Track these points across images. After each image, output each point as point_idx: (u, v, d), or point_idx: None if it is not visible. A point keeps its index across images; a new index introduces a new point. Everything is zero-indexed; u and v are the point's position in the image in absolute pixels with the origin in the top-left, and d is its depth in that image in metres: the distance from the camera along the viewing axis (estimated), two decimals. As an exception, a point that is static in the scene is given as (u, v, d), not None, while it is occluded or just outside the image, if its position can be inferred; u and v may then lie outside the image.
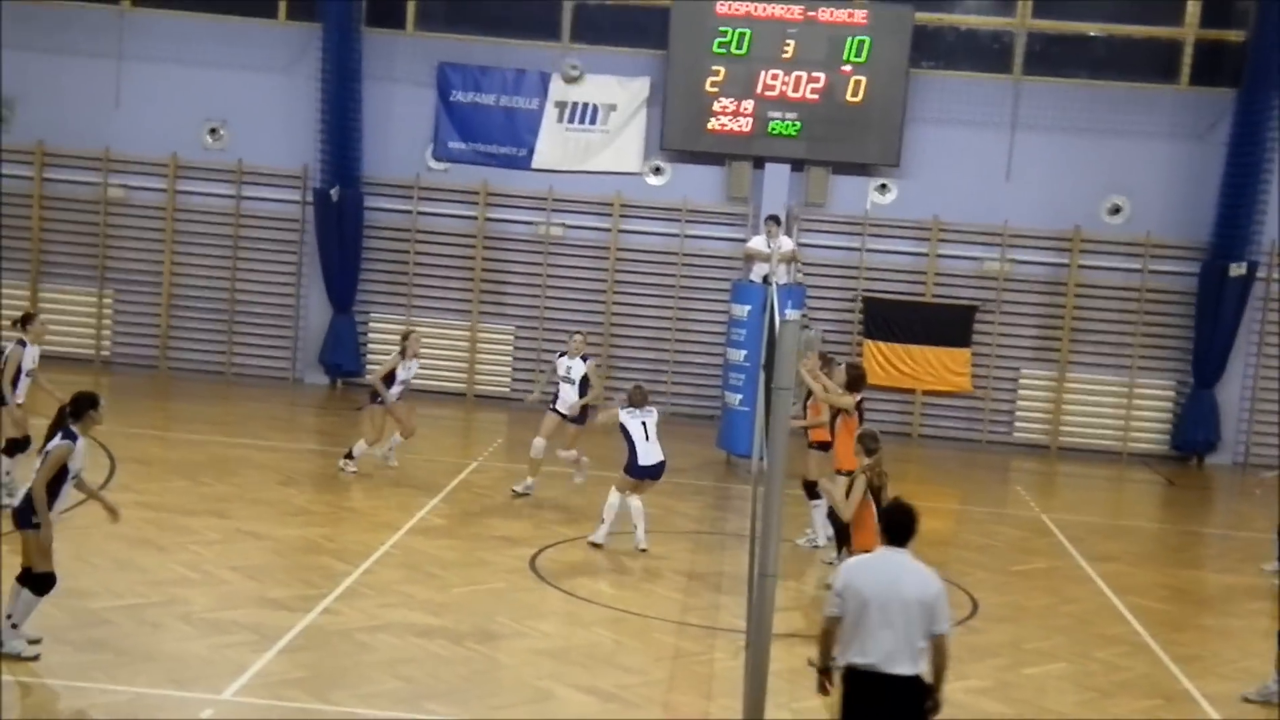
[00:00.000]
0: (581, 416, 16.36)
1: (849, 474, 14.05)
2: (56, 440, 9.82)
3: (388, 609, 11.65)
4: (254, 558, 13.00)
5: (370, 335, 24.05)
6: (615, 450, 14.64)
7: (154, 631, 10.60)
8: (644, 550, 14.01)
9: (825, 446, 14.72)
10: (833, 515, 13.37)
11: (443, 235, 23.85)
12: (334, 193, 23.00)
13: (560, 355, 16.83)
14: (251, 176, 23.79)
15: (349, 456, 16.88)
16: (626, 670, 10.70)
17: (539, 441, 16.20)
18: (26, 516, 9.76)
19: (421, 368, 21.03)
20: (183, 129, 23.70)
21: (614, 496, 14.12)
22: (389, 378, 16.87)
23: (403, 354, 16.99)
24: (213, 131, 23.90)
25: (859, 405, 14.08)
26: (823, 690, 7.78)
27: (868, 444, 11.79)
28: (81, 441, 9.90)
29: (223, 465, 16.79)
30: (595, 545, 14.11)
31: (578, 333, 17.36)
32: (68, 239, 23.97)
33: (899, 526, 7.62)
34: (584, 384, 16.38)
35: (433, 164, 23.79)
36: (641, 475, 14.11)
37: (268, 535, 13.87)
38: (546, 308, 23.70)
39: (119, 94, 23.70)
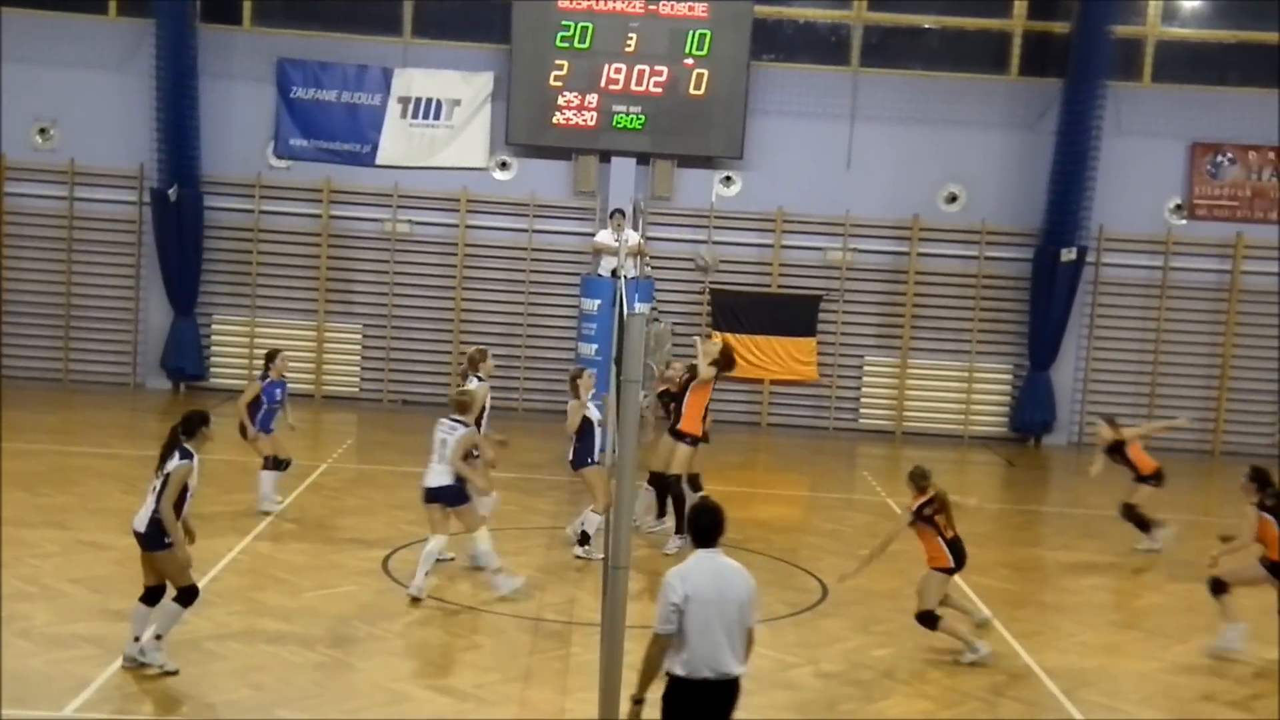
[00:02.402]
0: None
1: (690, 438, 14.33)
2: (175, 460, 9.94)
3: (236, 616, 11.46)
4: (96, 569, 12.67)
5: (214, 338, 23.61)
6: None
7: (-8, 649, 10.29)
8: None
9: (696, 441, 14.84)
10: (654, 479, 13.64)
11: (286, 234, 23.50)
12: (172, 192, 22.52)
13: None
14: (84, 177, 23.18)
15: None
16: (482, 669, 10.69)
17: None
18: (157, 539, 9.91)
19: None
20: (10, 128, 22.96)
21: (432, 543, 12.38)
22: (253, 405, 15.09)
23: (264, 377, 15.33)
24: (42, 131, 23.23)
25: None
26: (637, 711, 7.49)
27: (919, 482, 11.89)
28: (198, 458, 10.05)
29: (62, 475, 16.34)
30: (415, 600, 12.20)
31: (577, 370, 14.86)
32: (-110, 244, 23.12)
33: (708, 528, 7.48)
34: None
35: (274, 162, 23.43)
36: (424, 498, 12.53)
37: (110, 546, 13.52)
38: (395, 305, 23.50)
39: (-58, 93, 22.91)
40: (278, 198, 23.42)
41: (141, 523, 9.99)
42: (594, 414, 13.84)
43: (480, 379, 14.36)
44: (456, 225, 23.51)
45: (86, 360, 23.50)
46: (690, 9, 22.85)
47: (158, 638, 9.97)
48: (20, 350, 23.41)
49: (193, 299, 23.19)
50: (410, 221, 23.51)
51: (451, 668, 10.62)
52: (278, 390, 15.22)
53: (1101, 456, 16.18)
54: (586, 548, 13.92)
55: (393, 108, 23.34)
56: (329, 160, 23.39)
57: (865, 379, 24.04)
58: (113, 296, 23.52)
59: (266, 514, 14.93)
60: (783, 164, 23.41)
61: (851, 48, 23.71)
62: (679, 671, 7.28)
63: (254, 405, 15.02)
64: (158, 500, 9.87)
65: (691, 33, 22.85)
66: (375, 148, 23.39)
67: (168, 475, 9.89)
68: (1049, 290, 23.03)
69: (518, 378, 23.15)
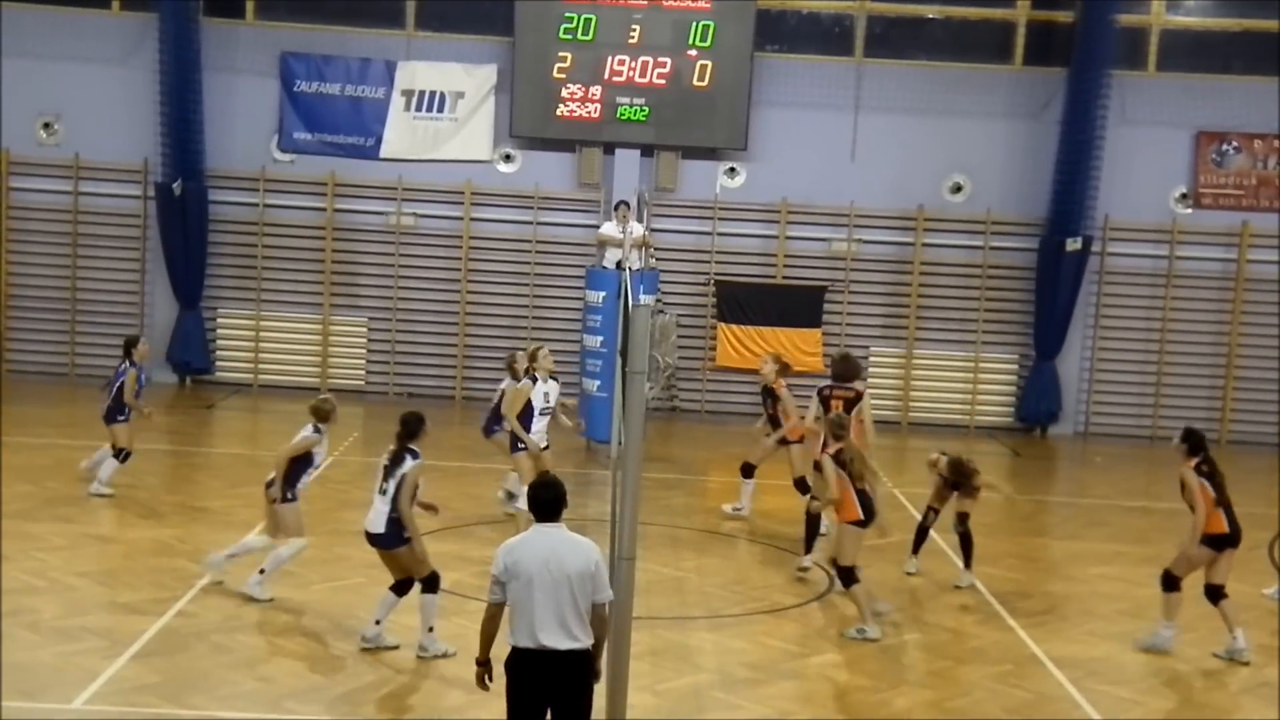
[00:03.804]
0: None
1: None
2: (408, 462, 10.55)
3: (245, 609, 11.48)
4: (103, 562, 12.70)
5: (219, 331, 23.63)
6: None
7: (-1, 642, 10.31)
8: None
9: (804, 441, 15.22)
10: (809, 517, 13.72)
11: (291, 227, 23.51)
12: (176, 187, 22.52)
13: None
14: (89, 172, 23.18)
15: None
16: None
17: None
18: (396, 537, 10.54)
19: (273, 362, 20.85)
20: (14, 123, 22.96)
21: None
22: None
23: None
24: (47, 126, 23.23)
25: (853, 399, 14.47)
26: (482, 685, 7.68)
27: (835, 430, 12.38)
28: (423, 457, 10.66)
29: (68, 469, 16.33)
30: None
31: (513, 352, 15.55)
32: (-104, 240, 23.14)
33: (547, 502, 7.55)
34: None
35: (278, 155, 23.43)
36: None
37: (117, 539, 13.57)
38: (400, 298, 23.50)
39: (-54, 89, 22.92)
40: (282, 191, 23.42)
41: (377, 524, 10.58)
42: (538, 399, 14.25)
43: (536, 378, 14.45)
44: (461, 218, 23.50)
45: (92, 354, 23.48)
46: (694, 0, 22.82)
47: (430, 630, 10.58)
48: (26, 344, 23.44)
49: (198, 293, 23.20)
50: (415, 214, 23.51)
51: (458, 659, 10.61)
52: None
53: None
54: (516, 504, 13.90)
55: (396, 101, 23.32)
56: (333, 153, 23.37)
57: (870, 370, 23.97)
58: (118, 291, 23.53)
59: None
60: (787, 155, 23.37)
61: (855, 38, 23.67)
62: (509, 640, 7.43)
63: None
64: (394, 501, 10.48)
65: (695, 24, 22.82)
66: (379, 141, 23.38)
67: (403, 477, 10.48)
68: (1054, 280, 23.00)
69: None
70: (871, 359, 23.88)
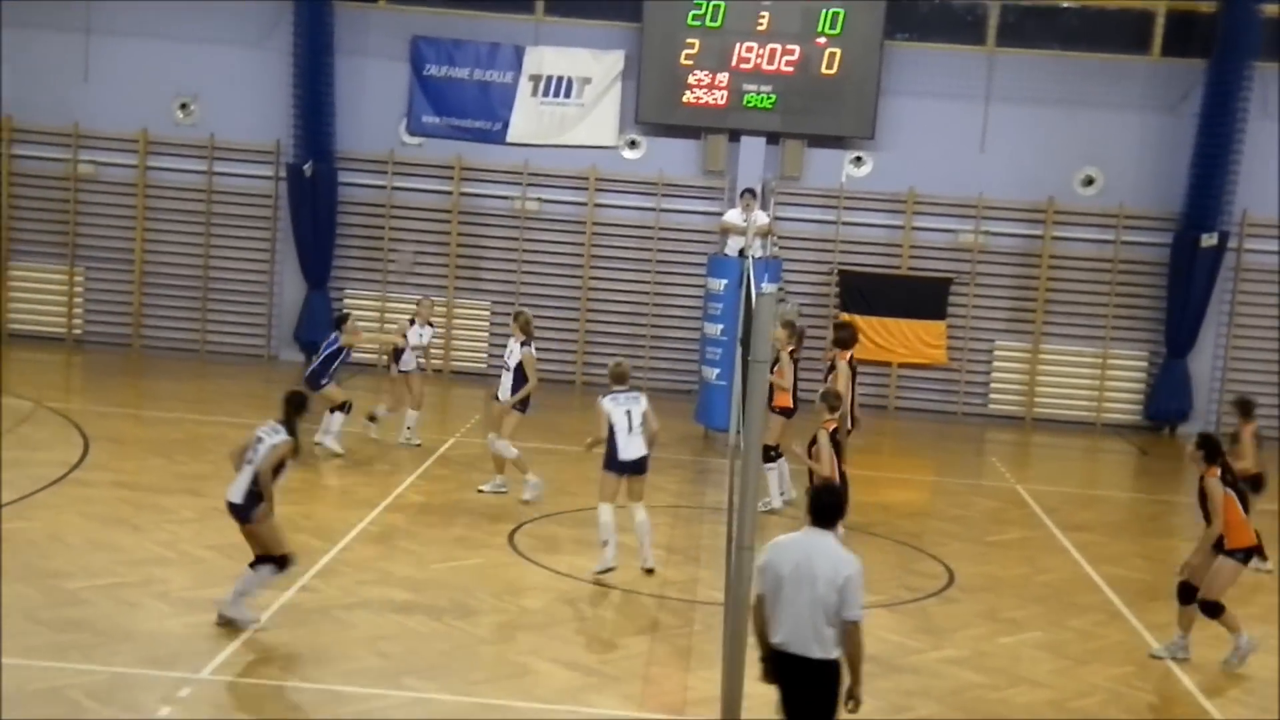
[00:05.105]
0: (523, 405, 15.02)
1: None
2: (279, 436, 10.47)
3: (366, 586, 11.65)
4: (230, 536, 12.85)
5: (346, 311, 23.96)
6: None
7: (131, 611, 10.58)
8: (650, 571, 12.48)
9: (788, 412, 15.17)
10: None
11: (417, 210, 23.78)
12: (307, 168, 22.89)
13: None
14: (223, 152, 23.66)
15: (372, 419, 17.58)
16: (606, 644, 10.74)
17: (491, 436, 15.26)
18: (254, 510, 10.41)
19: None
20: (152, 104, 23.53)
21: (604, 513, 12.27)
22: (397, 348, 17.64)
23: (412, 320, 17.88)
24: (183, 106, 23.75)
25: (852, 364, 14.29)
26: (765, 678, 7.58)
27: (830, 401, 12.26)
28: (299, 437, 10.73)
29: (198, 443, 16.73)
30: (603, 572, 12.29)
31: (520, 312, 15.95)
32: (37, 216, 23.82)
33: (824, 508, 7.52)
34: (519, 373, 14.94)
35: (407, 138, 23.70)
36: (621, 470, 12.34)
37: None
38: (523, 283, 23.66)
39: (87, 68, 23.53)
40: (410, 174, 23.69)
41: (236, 494, 10.47)
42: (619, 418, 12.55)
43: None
44: (585, 204, 23.59)
45: (223, 331, 24.03)
46: (823, -13, 22.65)
47: (240, 595, 10.42)
48: (159, 321, 24.01)
49: (326, 273, 23.57)
50: (539, 199, 23.65)
51: (575, 642, 10.68)
52: (427, 332, 18.05)
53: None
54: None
55: (524, 85, 23.46)
56: (460, 137, 23.59)
57: (995, 364, 23.68)
58: (249, 270, 24.00)
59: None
60: (915, 144, 23.11)
61: (988, 27, 23.31)
62: (770, 638, 7.45)
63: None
64: (256, 472, 10.37)
65: (825, 11, 22.63)
66: (506, 125, 23.54)
67: (271, 448, 10.37)
68: (1188, 276, 22.48)
69: (643, 357, 23.18)
70: (996, 352, 23.56)
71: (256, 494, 10.35)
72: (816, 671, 7.31)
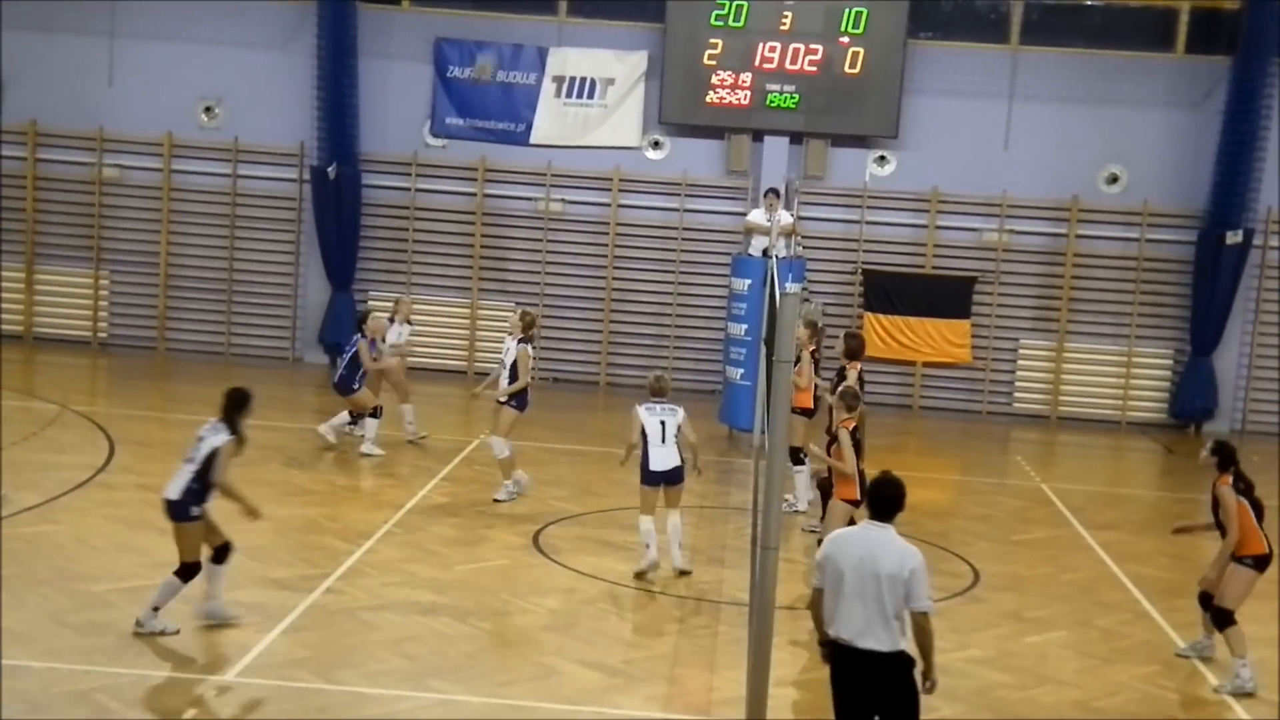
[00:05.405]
0: (520, 403, 14.98)
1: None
2: (222, 435, 10.37)
3: (391, 588, 11.68)
4: (256, 538, 12.95)
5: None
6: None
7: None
8: (686, 573, 12.54)
9: (808, 413, 15.08)
10: (821, 484, 13.52)
11: (441, 212, 23.83)
12: (331, 170, 22.96)
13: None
14: (248, 155, 23.74)
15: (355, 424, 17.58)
16: (631, 645, 10.75)
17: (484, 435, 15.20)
18: (187, 511, 10.20)
19: (422, 345, 21.16)
20: (177, 107, 23.63)
21: (644, 523, 12.38)
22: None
23: (391, 318, 17.93)
24: (208, 110, 23.84)
25: (860, 374, 14.21)
26: (826, 661, 7.74)
27: (849, 401, 12.23)
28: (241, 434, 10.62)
29: (224, 445, 16.75)
30: (645, 569, 12.35)
31: (525, 311, 16.00)
32: (62, 219, 23.94)
33: (884, 500, 7.52)
34: (514, 370, 14.95)
35: (430, 140, 23.75)
36: (655, 481, 12.43)
37: (269, 515, 13.71)
38: (547, 284, 23.68)
39: (112, 72, 23.63)
40: (434, 176, 23.74)
41: (173, 491, 10.24)
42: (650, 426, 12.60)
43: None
44: (609, 204, 23.60)
45: (247, 334, 24.11)
46: (846, -14, 22.61)
47: (155, 610, 10.24)
48: (184, 324, 24.10)
49: (350, 275, 23.64)
50: (563, 200, 23.67)
51: (600, 643, 10.68)
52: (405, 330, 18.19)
53: None
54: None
55: (547, 87, 23.48)
56: (484, 139, 23.62)
57: (1020, 362, 23.61)
58: (273, 272, 24.08)
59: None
60: (938, 143, 23.05)
61: (1011, 25, 23.24)
62: (829, 632, 7.51)
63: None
64: (198, 473, 10.24)
65: (848, 10, 22.59)
66: (529, 127, 23.56)
67: (215, 450, 10.26)
68: (1213, 273, 22.37)
69: (667, 357, 23.19)
70: (1021, 351, 23.48)
71: (192, 493, 10.16)
72: (887, 664, 7.34)
